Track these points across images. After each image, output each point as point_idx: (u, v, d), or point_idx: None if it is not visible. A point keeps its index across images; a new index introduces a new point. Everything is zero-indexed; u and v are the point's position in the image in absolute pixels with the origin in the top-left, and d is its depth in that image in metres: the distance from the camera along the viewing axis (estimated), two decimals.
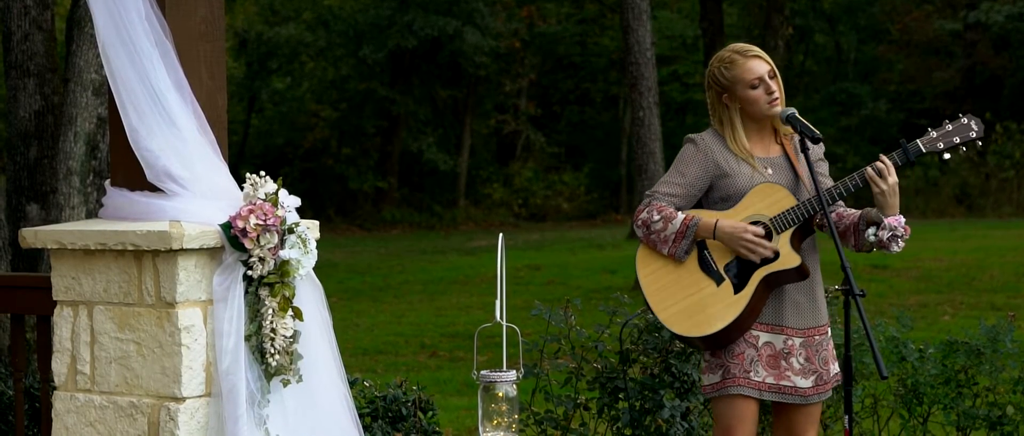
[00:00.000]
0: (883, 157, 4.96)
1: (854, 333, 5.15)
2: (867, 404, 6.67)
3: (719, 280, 4.97)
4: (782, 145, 5.10)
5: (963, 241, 19.30)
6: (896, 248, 4.94)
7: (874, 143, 29.18)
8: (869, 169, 4.94)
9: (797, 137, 5.00)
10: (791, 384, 4.99)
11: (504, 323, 4.61)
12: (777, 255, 4.92)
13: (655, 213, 4.99)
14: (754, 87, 5.00)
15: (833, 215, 5.08)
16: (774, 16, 20.71)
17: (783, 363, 4.99)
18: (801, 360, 5.01)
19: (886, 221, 4.93)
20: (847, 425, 4.78)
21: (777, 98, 5.02)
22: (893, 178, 4.94)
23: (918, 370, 6.45)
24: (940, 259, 17.26)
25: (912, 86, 30.11)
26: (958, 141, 5.02)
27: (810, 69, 31.63)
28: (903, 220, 4.95)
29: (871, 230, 4.96)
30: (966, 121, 5.04)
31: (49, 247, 4.60)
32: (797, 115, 4.98)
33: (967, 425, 6.44)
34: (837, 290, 4.83)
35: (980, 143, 5.05)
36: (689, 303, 4.98)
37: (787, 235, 4.94)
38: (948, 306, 13.99)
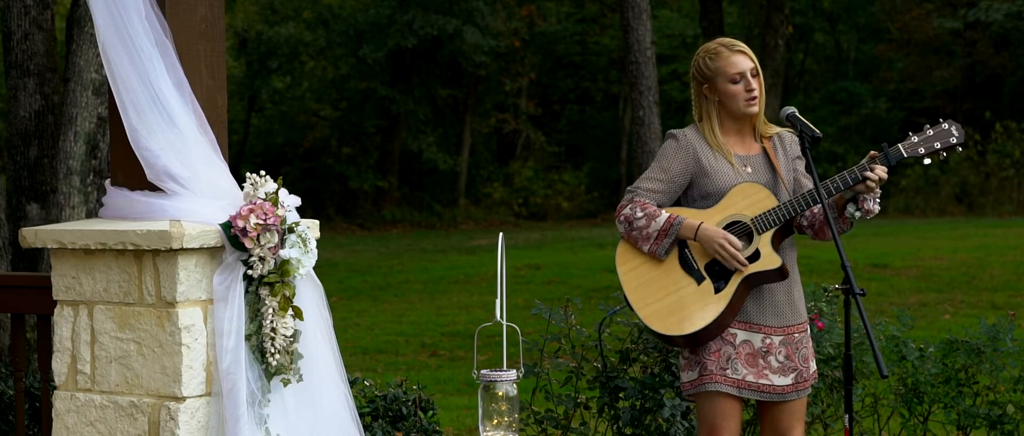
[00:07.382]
0: (879, 168, 4.95)
1: (854, 332, 5.15)
2: (867, 403, 6.67)
3: (700, 279, 4.96)
4: (762, 144, 5.09)
5: (963, 240, 19.28)
6: (877, 207, 5.00)
7: (874, 142, 29.18)
8: (871, 180, 4.91)
9: (796, 136, 5.01)
10: (769, 382, 4.99)
11: (504, 322, 4.61)
12: (756, 259, 4.92)
13: (638, 210, 4.98)
14: (734, 81, 5.01)
15: (808, 212, 5.08)
16: (774, 15, 20.70)
17: (761, 361, 4.99)
18: (780, 358, 5.01)
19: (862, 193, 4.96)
20: (847, 424, 4.78)
21: (755, 97, 5.01)
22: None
23: (918, 369, 6.45)
24: (940, 258, 17.24)
25: (912, 85, 30.10)
26: (939, 146, 5.02)
27: (810, 68, 31.63)
28: None
29: (851, 207, 4.98)
30: (946, 127, 5.04)
31: (49, 247, 4.61)
32: (797, 114, 4.99)
33: (967, 424, 6.44)
34: (837, 289, 4.83)
35: (961, 149, 5.04)
36: (669, 301, 4.97)
37: (768, 236, 4.93)
38: (948, 305, 13.98)
